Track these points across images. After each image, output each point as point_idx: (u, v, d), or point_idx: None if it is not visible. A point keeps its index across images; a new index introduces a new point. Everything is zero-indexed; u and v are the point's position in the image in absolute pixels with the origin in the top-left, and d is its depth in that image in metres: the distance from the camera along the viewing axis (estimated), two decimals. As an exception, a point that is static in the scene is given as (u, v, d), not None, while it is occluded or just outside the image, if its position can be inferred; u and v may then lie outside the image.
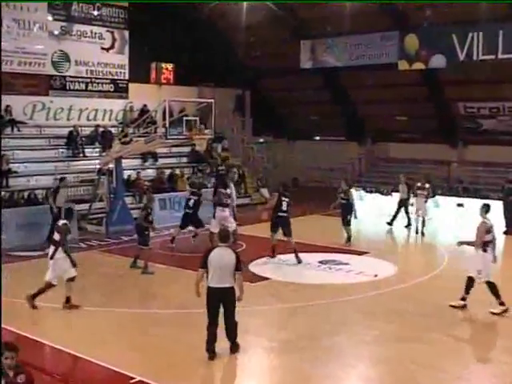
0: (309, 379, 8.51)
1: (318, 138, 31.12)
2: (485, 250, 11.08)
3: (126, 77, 24.64)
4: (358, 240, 17.46)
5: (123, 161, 19.41)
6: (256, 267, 14.33)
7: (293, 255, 14.96)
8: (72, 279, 11.01)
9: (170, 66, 26.56)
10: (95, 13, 23.35)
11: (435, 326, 10.57)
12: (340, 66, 25.41)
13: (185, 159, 24.97)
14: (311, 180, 28.65)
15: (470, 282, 11.21)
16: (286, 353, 9.43)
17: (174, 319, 10.77)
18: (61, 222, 11.38)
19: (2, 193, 17.90)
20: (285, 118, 31.17)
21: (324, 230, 18.90)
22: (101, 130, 22.72)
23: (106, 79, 24.11)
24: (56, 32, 22.34)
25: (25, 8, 21.29)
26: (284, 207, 15.03)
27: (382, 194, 22.41)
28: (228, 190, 16.72)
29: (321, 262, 14.98)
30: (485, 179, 23.97)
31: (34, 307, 10.90)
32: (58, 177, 18.40)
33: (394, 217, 19.95)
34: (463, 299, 11.28)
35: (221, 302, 8.83)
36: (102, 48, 23.80)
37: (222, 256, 8.78)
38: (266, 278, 13.57)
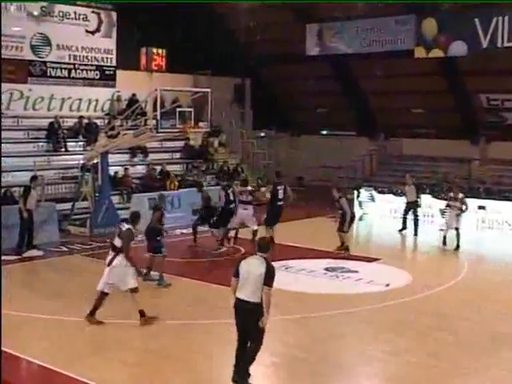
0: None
1: (324, 132, 31.16)
2: None
3: (114, 63, 24.61)
4: (368, 245, 17.43)
5: (110, 156, 19.37)
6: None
7: (298, 261, 15.42)
8: (134, 290, 10.76)
9: (161, 52, 26.57)
10: (79, -8, 23.37)
11: (453, 342, 10.50)
12: (350, 52, 25.45)
13: (178, 155, 24.99)
14: (317, 179, 28.59)
15: None
16: (292, 368, 9.37)
17: (165, 331, 10.70)
18: (125, 227, 10.92)
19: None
20: (288, 110, 31.16)
21: (330, 234, 18.77)
22: (85, 121, 22.72)
23: (91, 65, 24.05)
24: (35, 13, 22.27)
25: (1, -14, 21.33)
26: (280, 195, 16.21)
27: (396, 194, 22.36)
28: (249, 187, 17.52)
29: (327, 269, 14.97)
30: (509, 179, 23.93)
31: (98, 323, 10.83)
32: (38, 173, 18.33)
33: (404, 223, 19.95)
34: None
35: (241, 318, 8.38)
36: (87, 31, 23.76)
37: (250, 264, 8.39)
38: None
